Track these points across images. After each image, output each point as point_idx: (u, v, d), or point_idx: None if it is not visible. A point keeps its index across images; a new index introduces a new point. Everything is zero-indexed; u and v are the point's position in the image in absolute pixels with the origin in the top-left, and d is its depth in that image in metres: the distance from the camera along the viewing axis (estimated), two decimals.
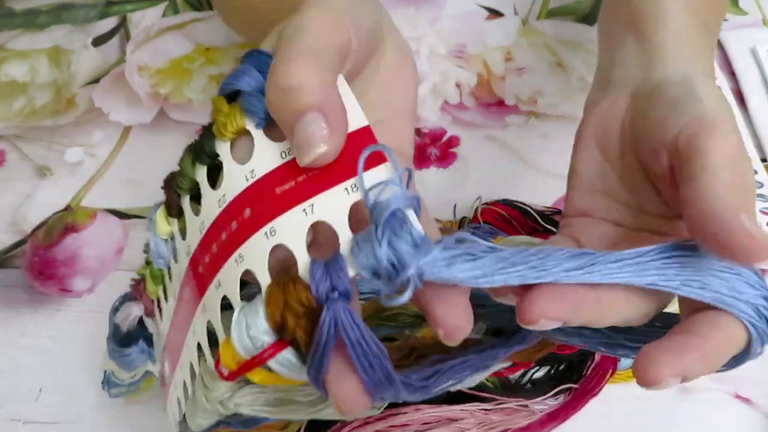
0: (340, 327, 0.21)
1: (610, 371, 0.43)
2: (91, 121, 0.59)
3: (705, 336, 0.25)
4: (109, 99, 0.61)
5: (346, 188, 0.23)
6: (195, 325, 0.26)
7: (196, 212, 0.26)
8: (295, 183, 0.23)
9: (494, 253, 0.22)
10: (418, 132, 0.58)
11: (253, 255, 0.23)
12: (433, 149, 0.56)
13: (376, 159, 0.23)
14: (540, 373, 0.43)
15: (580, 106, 0.60)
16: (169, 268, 0.30)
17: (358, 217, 0.23)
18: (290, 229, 0.23)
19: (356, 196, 0.23)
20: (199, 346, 0.26)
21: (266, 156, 0.24)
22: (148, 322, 0.34)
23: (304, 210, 0.23)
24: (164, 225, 0.28)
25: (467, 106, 0.60)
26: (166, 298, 0.30)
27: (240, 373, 0.23)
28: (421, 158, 0.56)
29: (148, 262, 0.31)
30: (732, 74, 0.62)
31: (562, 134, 0.58)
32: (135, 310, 0.35)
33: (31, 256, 0.51)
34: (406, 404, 0.40)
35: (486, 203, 0.50)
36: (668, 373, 0.24)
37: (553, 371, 0.44)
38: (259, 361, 0.22)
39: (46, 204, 0.54)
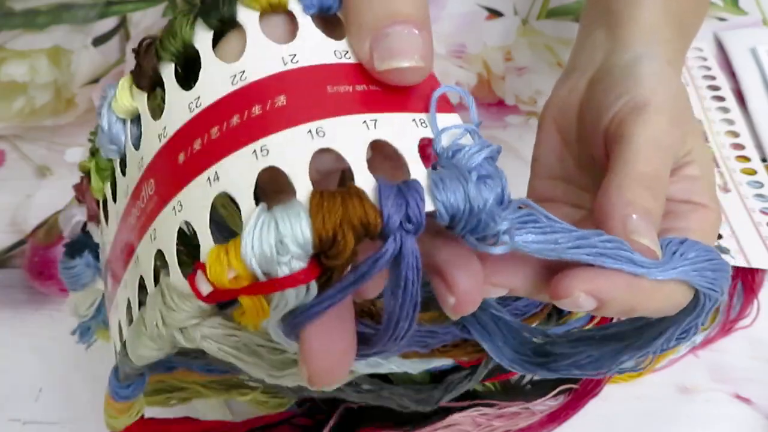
0: (403, 264, 0.17)
1: None
2: (91, 121, 0.59)
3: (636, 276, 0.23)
4: None
5: (414, 119, 0.19)
6: (158, 229, 0.20)
7: (186, 87, 0.20)
8: (352, 89, 0.19)
9: (569, 233, 0.20)
10: None
11: (287, 152, 0.18)
12: None
13: (445, 106, 0.20)
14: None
15: None
16: (122, 159, 0.23)
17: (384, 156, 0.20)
18: (346, 136, 0.18)
19: (427, 132, 0.19)
20: (159, 255, 0.20)
21: (313, 46, 0.19)
22: (92, 229, 0.28)
23: (365, 122, 0.18)
24: (126, 99, 0.23)
25: (467, 106, 0.60)
26: (114, 198, 0.24)
27: (246, 293, 0.17)
28: (421, 158, 0.56)
29: (93, 153, 0.25)
30: (732, 74, 0.62)
31: None
32: (78, 214, 0.29)
33: (31, 256, 0.51)
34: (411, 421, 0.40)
35: None
36: (580, 287, 0.21)
37: None
38: (283, 284, 0.17)
39: (46, 204, 0.54)
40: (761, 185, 0.53)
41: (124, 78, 0.23)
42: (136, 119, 0.22)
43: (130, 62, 0.64)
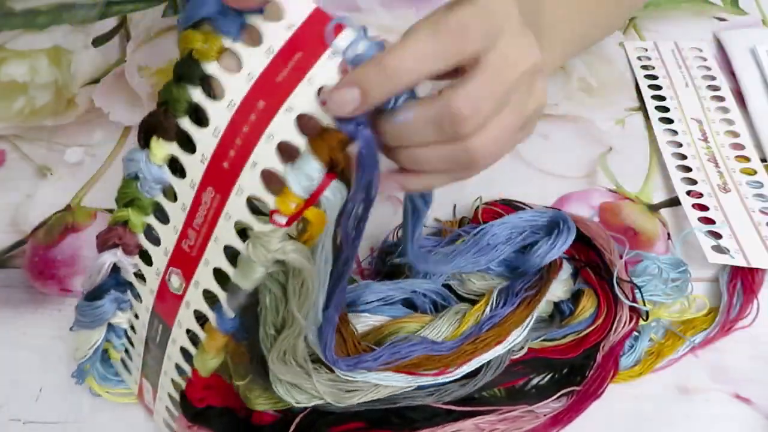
0: (369, 142, 0.28)
1: (612, 372, 0.43)
2: (91, 121, 0.59)
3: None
4: (109, 99, 0.61)
5: (328, 56, 0.29)
6: (230, 211, 0.32)
7: (204, 124, 0.31)
8: (288, 69, 0.29)
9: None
10: None
11: (281, 130, 0.29)
12: None
13: (337, 29, 0.29)
14: (544, 380, 0.44)
15: (580, 106, 0.60)
16: (170, 188, 0.34)
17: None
18: (303, 100, 0.29)
19: (338, 58, 0.28)
20: (237, 225, 0.32)
21: (255, 59, 0.30)
22: (125, 263, 0.37)
23: (308, 82, 0.29)
24: (161, 151, 0.33)
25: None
26: (166, 220, 0.35)
27: (306, 208, 0.29)
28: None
29: (127, 205, 0.35)
30: (732, 74, 0.62)
31: (562, 134, 0.58)
32: (109, 258, 0.37)
33: (31, 256, 0.51)
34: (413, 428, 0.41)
35: (486, 203, 0.50)
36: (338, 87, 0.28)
37: (556, 375, 0.44)
38: (319, 191, 0.29)
39: (46, 204, 0.54)
40: (761, 185, 0.53)
41: (153, 140, 0.33)
42: (170, 162, 0.33)
43: (131, 63, 0.65)
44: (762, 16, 0.68)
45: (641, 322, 0.44)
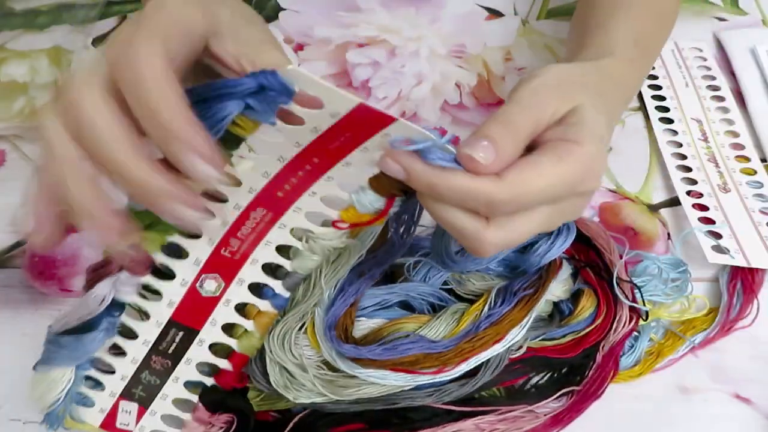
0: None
1: (612, 372, 0.43)
2: None
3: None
4: None
5: (382, 136, 0.31)
6: (285, 222, 0.36)
7: (253, 168, 0.34)
8: (339, 142, 0.31)
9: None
10: None
11: (340, 175, 0.34)
12: None
13: (385, 120, 0.30)
14: (543, 379, 0.44)
15: None
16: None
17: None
18: (360, 160, 0.32)
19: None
20: (295, 231, 0.37)
21: (300, 134, 0.31)
22: (126, 288, 0.37)
23: (362, 150, 0.32)
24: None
25: (467, 106, 0.60)
26: (198, 234, 0.37)
27: (374, 221, 0.35)
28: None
29: (148, 226, 0.36)
30: (732, 74, 0.62)
31: None
32: (106, 288, 0.37)
33: (31, 256, 0.51)
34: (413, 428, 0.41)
35: None
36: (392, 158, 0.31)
37: (556, 375, 0.44)
38: (385, 212, 0.35)
39: None
40: (761, 185, 0.53)
41: None
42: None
43: None
44: (762, 16, 0.68)
45: (641, 322, 0.44)
